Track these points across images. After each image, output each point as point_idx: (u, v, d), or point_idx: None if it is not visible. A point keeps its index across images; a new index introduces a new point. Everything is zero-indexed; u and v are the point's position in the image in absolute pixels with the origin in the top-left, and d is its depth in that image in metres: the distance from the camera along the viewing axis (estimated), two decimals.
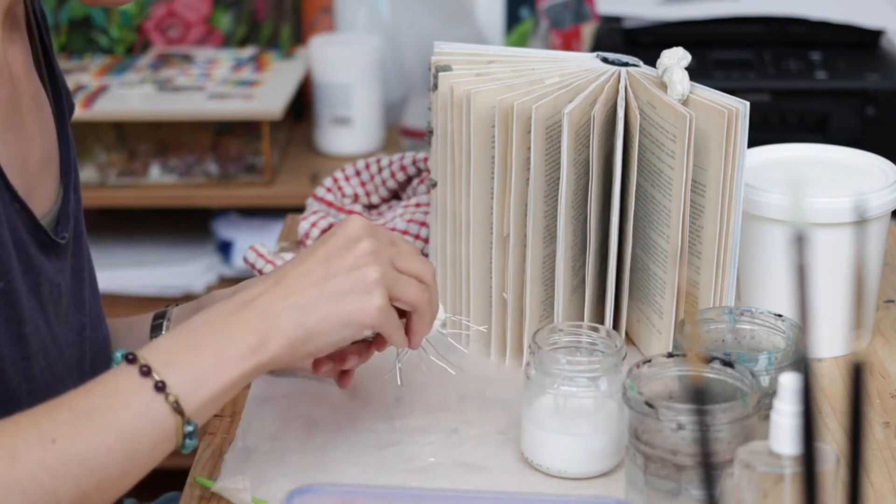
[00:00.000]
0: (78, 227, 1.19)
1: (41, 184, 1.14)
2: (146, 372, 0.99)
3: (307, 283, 1.04)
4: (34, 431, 0.97)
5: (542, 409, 1.11)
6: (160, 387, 0.99)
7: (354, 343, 1.13)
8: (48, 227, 1.13)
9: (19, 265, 1.08)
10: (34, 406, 1.01)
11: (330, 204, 1.51)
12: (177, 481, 1.22)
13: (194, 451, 1.14)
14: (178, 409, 0.99)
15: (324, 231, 1.47)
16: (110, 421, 0.98)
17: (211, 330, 1.02)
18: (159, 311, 1.26)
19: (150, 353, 1.01)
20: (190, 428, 1.00)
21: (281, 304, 1.03)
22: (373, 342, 1.16)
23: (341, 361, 1.17)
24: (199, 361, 1.01)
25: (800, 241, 0.69)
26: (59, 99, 1.20)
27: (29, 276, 1.10)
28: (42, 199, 1.13)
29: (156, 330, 1.24)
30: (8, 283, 1.07)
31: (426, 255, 1.41)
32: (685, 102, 1.21)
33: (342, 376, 1.19)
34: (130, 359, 1.00)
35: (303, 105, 2.58)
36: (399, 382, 1.17)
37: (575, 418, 1.10)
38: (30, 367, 1.10)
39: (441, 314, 1.14)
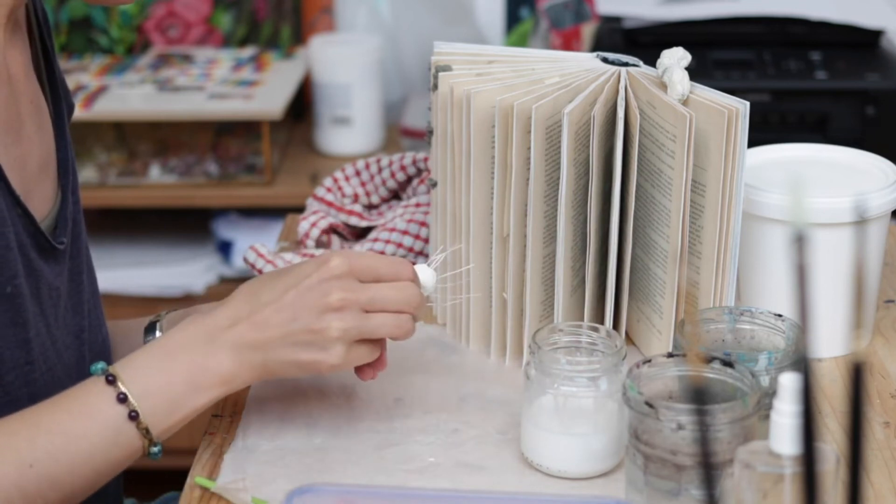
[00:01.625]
0: (76, 229, 1.19)
1: (39, 187, 1.14)
2: (122, 399, 1.05)
3: (274, 323, 1.09)
4: (13, 455, 1.02)
5: (542, 409, 1.11)
6: (133, 416, 1.05)
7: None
8: (46, 231, 1.13)
9: (22, 269, 1.08)
10: None
11: (330, 204, 1.51)
12: (177, 481, 1.22)
13: (194, 452, 1.14)
14: (147, 435, 1.06)
15: (324, 231, 1.47)
16: (84, 446, 1.04)
17: (186, 355, 1.08)
18: (151, 320, 1.25)
19: (128, 375, 1.06)
20: (155, 449, 1.07)
21: (249, 341, 1.08)
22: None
23: (361, 373, 1.17)
24: (173, 390, 1.07)
25: (800, 241, 0.69)
26: (59, 101, 1.20)
27: (30, 280, 1.10)
28: (40, 202, 1.13)
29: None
30: (14, 288, 1.07)
31: (426, 256, 1.41)
32: (685, 102, 1.21)
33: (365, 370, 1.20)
34: (110, 379, 1.06)
35: (303, 105, 2.58)
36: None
37: (575, 418, 1.10)
38: (32, 372, 1.10)
39: (431, 278, 1.16)
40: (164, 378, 1.06)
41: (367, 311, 1.09)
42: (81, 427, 1.04)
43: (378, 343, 1.12)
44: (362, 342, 1.10)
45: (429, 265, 1.17)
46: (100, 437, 1.04)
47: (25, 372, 1.10)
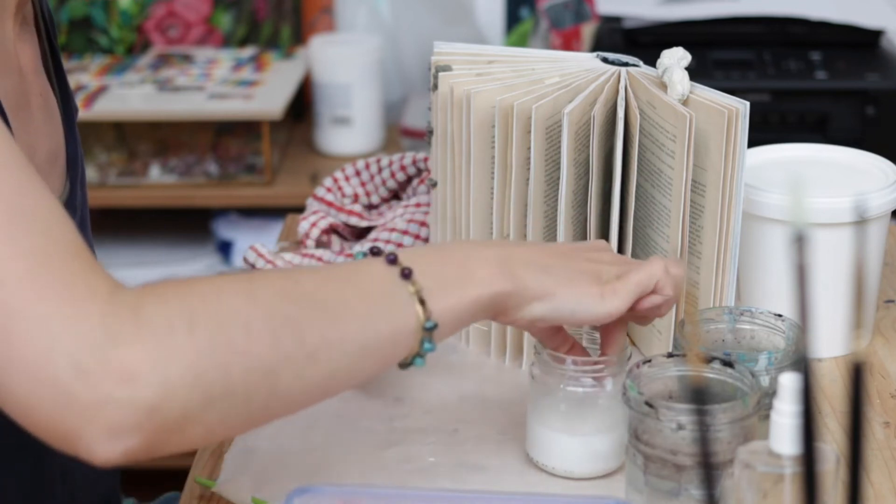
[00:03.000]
0: (84, 222, 1.19)
1: (47, 178, 1.14)
2: (392, 260, 0.98)
3: (553, 263, 1.04)
4: (274, 274, 0.96)
5: (547, 409, 1.11)
6: (406, 274, 0.97)
7: None
8: None
9: None
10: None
11: (330, 204, 1.51)
12: (177, 481, 1.22)
13: (194, 452, 1.14)
14: (421, 299, 0.97)
15: (324, 231, 1.47)
16: (350, 285, 0.96)
17: (460, 248, 1.03)
18: None
19: (398, 252, 0.99)
20: (430, 325, 0.97)
21: (529, 261, 1.03)
22: None
23: None
24: (446, 269, 0.99)
25: (800, 241, 0.69)
26: (67, 99, 1.20)
27: None
28: None
29: None
30: None
31: None
32: (685, 102, 1.21)
33: None
34: (375, 252, 0.99)
35: (303, 105, 2.58)
36: None
37: (581, 419, 1.10)
38: None
39: None
40: (438, 257, 1.00)
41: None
42: (347, 272, 0.97)
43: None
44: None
45: None
46: (368, 282, 0.96)
47: None
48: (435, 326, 0.97)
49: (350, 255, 1.42)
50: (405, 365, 0.99)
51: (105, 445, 0.85)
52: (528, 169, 1.23)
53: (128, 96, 2.36)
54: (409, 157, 1.51)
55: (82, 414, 0.85)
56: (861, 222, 1.25)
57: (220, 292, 0.91)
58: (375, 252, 0.99)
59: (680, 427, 1.00)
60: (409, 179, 1.51)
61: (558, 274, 1.03)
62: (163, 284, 0.92)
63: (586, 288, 1.03)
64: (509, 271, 1.01)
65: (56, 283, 0.89)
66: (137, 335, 0.87)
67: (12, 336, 0.86)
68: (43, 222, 0.90)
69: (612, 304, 1.04)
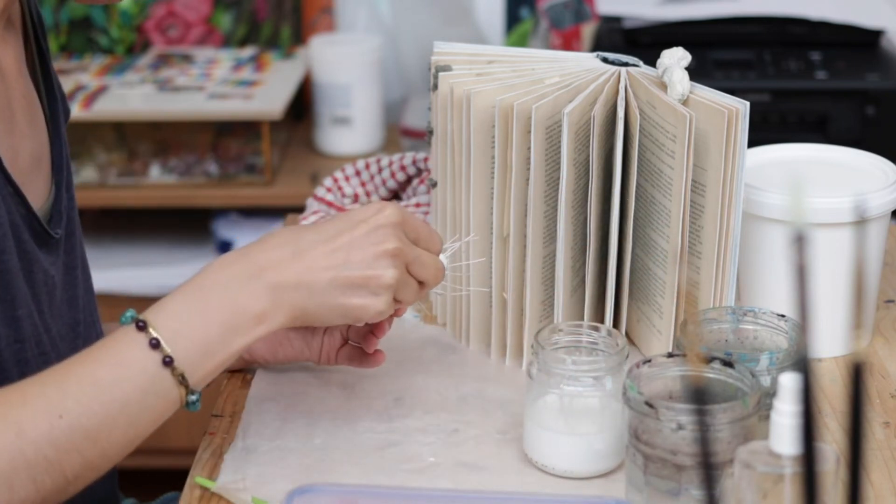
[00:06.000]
0: (70, 225, 1.19)
1: (32, 181, 1.14)
2: (155, 345, 1.01)
3: (324, 265, 1.06)
4: (42, 404, 0.98)
5: (546, 409, 1.11)
6: (168, 361, 1.01)
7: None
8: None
9: (14, 249, 1.08)
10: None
11: (330, 204, 1.51)
12: (177, 481, 1.22)
13: (194, 452, 1.14)
14: (183, 382, 1.02)
15: None
16: (117, 394, 1.00)
17: (220, 295, 1.04)
18: None
19: (160, 320, 1.02)
20: (193, 397, 1.03)
21: (293, 281, 1.05)
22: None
23: (366, 343, 1.19)
24: (208, 333, 1.03)
25: (800, 241, 0.69)
26: (54, 101, 1.20)
27: (22, 262, 1.10)
28: (34, 196, 1.14)
29: None
30: (3, 264, 1.07)
31: None
32: (685, 102, 1.21)
33: (371, 356, 1.21)
34: (140, 325, 1.02)
35: (303, 105, 2.58)
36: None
37: (580, 418, 1.10)
38: (22, 351, 1.10)
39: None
40: (198, 321, 1.03)
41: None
42: (113, 375, 1.00)
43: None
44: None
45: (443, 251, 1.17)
46: (133, 384, 1.00)
47: (15, 350, 1.09)
48: (197, 397, 1.03)
49: None
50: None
51: None
52: (528, 169, 1.23)
53: (128, 96, 2.36)
54: (409, 157, 1.51)
55: None
56: (861, 222, 1.25)
57: None
58: (140, 326, 1.02)
59: (680, 427, 1.00)
60: (409, 179, 1.51)
61: (326, 295, 1.07)
62: None
63: (357, 301, 1.08)
64: (271, 311, 1.05)
65: None
66: None
67: None
68: None
69: (383, 304, 1.09)
